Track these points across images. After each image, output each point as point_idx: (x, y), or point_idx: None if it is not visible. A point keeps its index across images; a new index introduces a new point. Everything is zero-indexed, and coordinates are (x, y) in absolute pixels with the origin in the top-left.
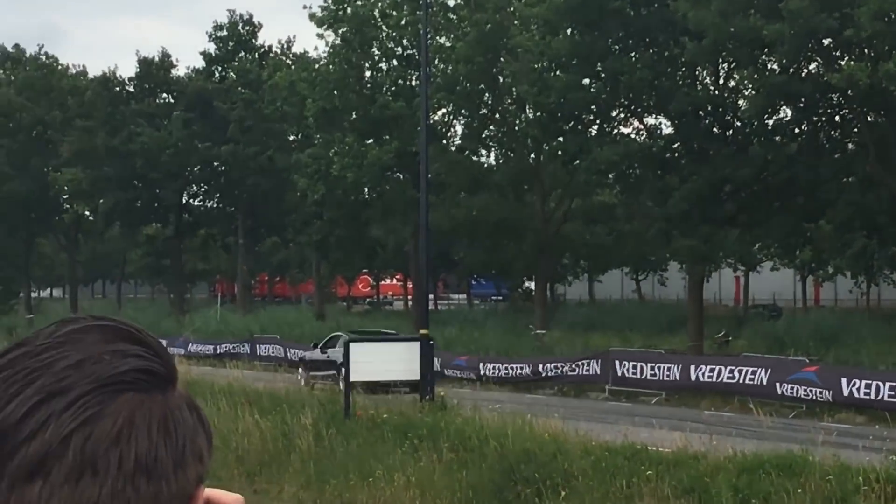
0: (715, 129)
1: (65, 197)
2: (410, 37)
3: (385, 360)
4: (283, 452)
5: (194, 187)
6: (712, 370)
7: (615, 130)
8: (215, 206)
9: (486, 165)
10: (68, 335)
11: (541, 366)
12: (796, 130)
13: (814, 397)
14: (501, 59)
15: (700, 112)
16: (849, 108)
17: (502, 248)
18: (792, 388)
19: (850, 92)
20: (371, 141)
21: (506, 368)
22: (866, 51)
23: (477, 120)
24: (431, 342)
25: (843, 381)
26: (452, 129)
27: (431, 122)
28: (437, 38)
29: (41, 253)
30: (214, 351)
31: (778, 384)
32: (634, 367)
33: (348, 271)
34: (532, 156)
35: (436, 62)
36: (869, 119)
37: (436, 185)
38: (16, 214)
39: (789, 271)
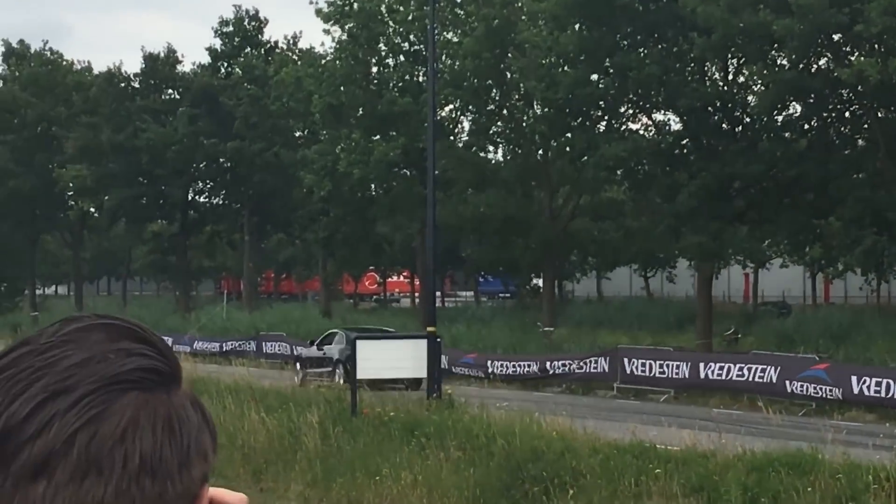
0: (724, 126)
1: (70, 193)
2: (417, 32)
3: (392, 358)
4: (290, 451)
5: (200, 184)
6: (721, 368)
7: (623, 126)
8: (221, 202)
9: (493, 162)
10: (72, 334)
11: (548, 363)
12: (806, 126)
13: (823, 395)
14: (509, 54)
15: (709, 108)
16: (859, 104)
17: (510, 245)
18: (801, 386)
19: (860, 88)
20: (378, 137)
21: (513, 366)
22: (876, 46)
23: (484, 116)
24: (439, 340)
25: (853, 378)
26: (460, 126)
27: (438, 118)
28: (445, 33)
29: (46, 250)
30: (220, 349)
31: (787, 382)
32: (643, 364)
33: (355, 268)
34: (540, 152)
35: (443, 58)
36: (879, 115)
37: (443, 182)
38: (20, 211)
39: (799, 268)
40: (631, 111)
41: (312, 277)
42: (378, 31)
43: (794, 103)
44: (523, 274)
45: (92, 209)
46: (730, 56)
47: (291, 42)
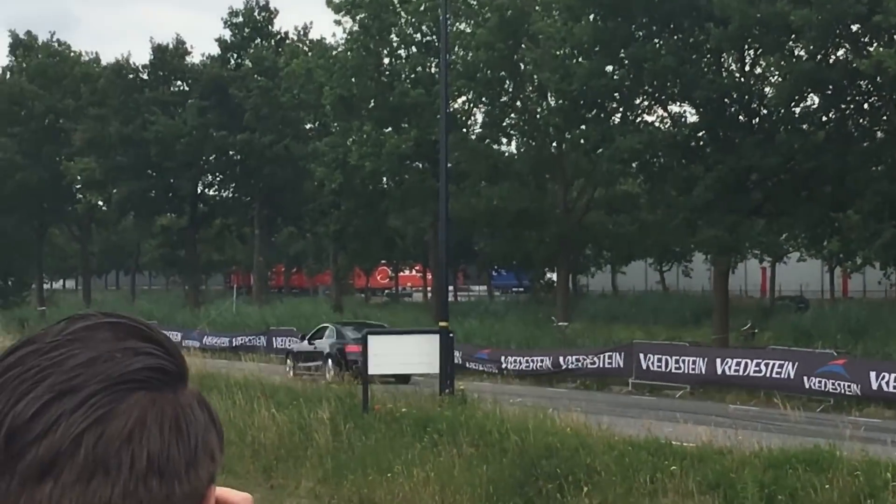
0: (741, 117)
1: (77, 186)
2: (430, 23)
3: (404, 353)
4: (300, 447)
5: (209, 177)
6: (738, 363)
7: (639, 118)
8: (231, 195)
9: (506, 154)
10: (78, 332)
11: (562, 358)
12: (824, 118)
13: (842, 391)
14: (523, 45)
15: (725, 100)
16: (878, 96)
17: (523, 239)
18: (819, 382)
19: (878, 79)
20: (390, 129)
21: (526, 361)
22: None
23: (498, 108)
24: (451, 335)
25: (872, 374)
26: (473, 118)
27: (451, 110)
28: (457, 24)
29: (53, 244)
30: (230, 344)
31: (805, 378)
32: (658, 359)
33: (366, 262)
34: (554, 144)
35: (456, 49)
36: None
37: (456, 175)
38: (28, 204)
39: (817, 262)
40: (646, 103)
41: (323, 271)
42: (390, 21)
43: (811, 95)
44: (537, 268)
45: (100, 202)
46: (747, 47)
47: (302, 33)
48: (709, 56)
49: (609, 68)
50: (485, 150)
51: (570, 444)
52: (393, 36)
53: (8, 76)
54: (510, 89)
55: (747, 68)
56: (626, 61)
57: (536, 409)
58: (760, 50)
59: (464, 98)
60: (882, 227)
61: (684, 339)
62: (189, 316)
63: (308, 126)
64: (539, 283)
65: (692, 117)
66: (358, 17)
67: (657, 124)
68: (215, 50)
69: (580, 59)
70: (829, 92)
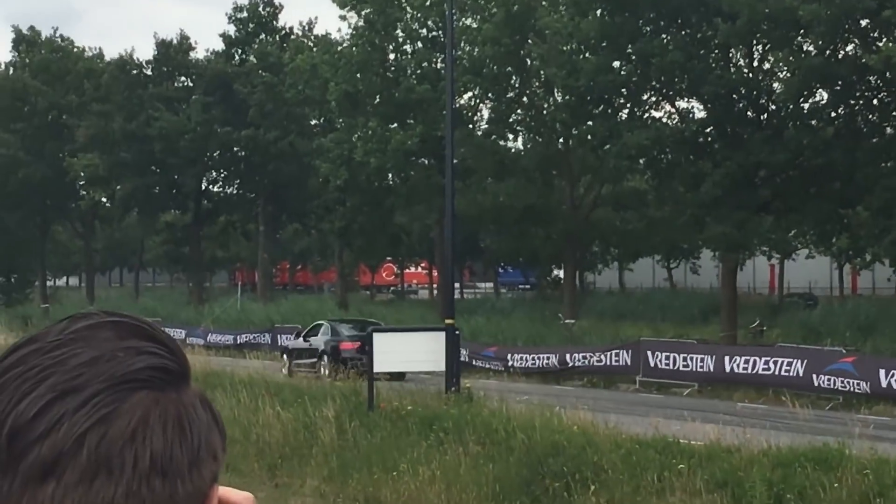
0: (749, 113)
1: (81, 183)
2: (435, 18)
3: (410, 351)
4: (305, 445)
5: (214, 173)
6: (747, 361)
7: (646, 114)
8: (235, 192)
9: (513, 150)
10: (80, 331)
11: (568, 356)
12: (833, 114)
13: (851, 389)
14: (529, 40)
15: (734, 95)
16: (887, 91)
17: (530, 236)
18: (828, 380)
19: (888, 74)
20: (395, 125)
21: (533, 359)
22: None
23: (504, 103)
24: (457, 332)
25: (882, 372)
26: (479, 113)
27: (457, 105)
28: (463, 19)
29: (57, 240)
30: (234, 341)
31: (814, 375)
32: (666, 357)
33: (372, 259)
34: (560, 140)
35: (462, 44)
36: None
37: (462, 171)
38: (31, 201)
39: (825, 259)
40: (654, 98)
41: (328, 268)
42: (395, 16)
43: (820, 90)
44: (544, 265)
45: (104, 199)
46: (755, 42)
47: (307, 28)
48: (717, 51)
49: (616, 64)
50: (491, 147)
51: (577, 442)
52: (398, 31)
53: (11, 72)
54: (517, 85)
55: (755, 64)
56: (634, 57)
57: (543, 407)
58: (769, 45)
59: (470, 94)
60: (891, 223)
61: (692, 337)
62: (193, 313)
63: (313, 122)
64: (546, 281)
65: (700, 113)
66: (363, 13)
67: (665, 120)
68: (219, 45)
69: (587, 55)
70: (838, 87)
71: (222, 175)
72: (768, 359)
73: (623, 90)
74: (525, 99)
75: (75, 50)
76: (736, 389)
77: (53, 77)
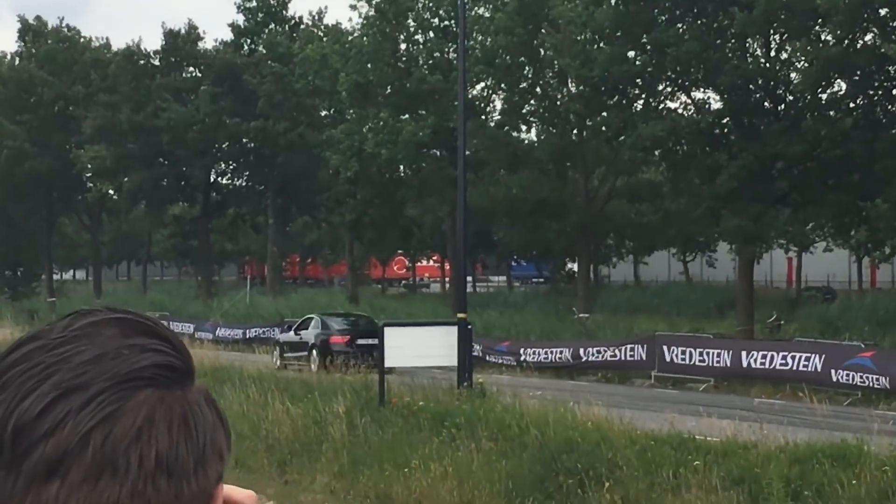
0: (766, 104)
1: (88, 175)
2: (447, 7)
3: (421, 346)
4: (315, 441)
5: (222, 165)
6: (764, 356)
7: (661, 105)
8: (244, 184)
9: (526, 142)
10: (84, 328)
11: (582, 350)
12: (851, 104)
13: (869, 384)
14: (543, 30)
15: (750, 86)
16: None
17: (543, 228)
18: (847, 375)
19: None
20: (406, 116)
21: (546, 353)
22: None
23: (517, 94)
24: (469, 326)
25: None
26: (491, 104)
27: (469, 96)
28: (476, 8)
29: (63, 233)
30: (244, 336)
31: (832, 370)
32: (682, 352)
33: (383, 252)
34: (574, 132)
35: (474, 34)
36: None
37: (474, 163)
38: (37, 193)
39: (844, 252)
40: (669, 89)
41: (339, 262)
42: (406, 6)
43: (838, 80)
44: (557, 258)
45: (111, 191)
46: (772, 31)
47: (317, 18)
48: (733, 41)
49: (631, 54)
50: (504, 138)
51: (592, 438)
52: (410, 21)
53: (17, 62)
54: (530, 75)
55: (773, 53)
56: (649, 46)
57: (556, 403)
58: (786, 34)
59: (482, 84)
60: None
61: (708, 331)
62: (202, 307)
63: (323, 113)
64: (559, 274)
65: (716, 104)
66: (374, 2)
67: (680, 111)
68: (228, 35)
69: (601, 45)
70: (857, 77)
71: (231, 167)
72: (786, 353)
73: (638, 80)
74: (538, 90)
75: (82, 40)
76: (753, 385)
77: (60, 67)
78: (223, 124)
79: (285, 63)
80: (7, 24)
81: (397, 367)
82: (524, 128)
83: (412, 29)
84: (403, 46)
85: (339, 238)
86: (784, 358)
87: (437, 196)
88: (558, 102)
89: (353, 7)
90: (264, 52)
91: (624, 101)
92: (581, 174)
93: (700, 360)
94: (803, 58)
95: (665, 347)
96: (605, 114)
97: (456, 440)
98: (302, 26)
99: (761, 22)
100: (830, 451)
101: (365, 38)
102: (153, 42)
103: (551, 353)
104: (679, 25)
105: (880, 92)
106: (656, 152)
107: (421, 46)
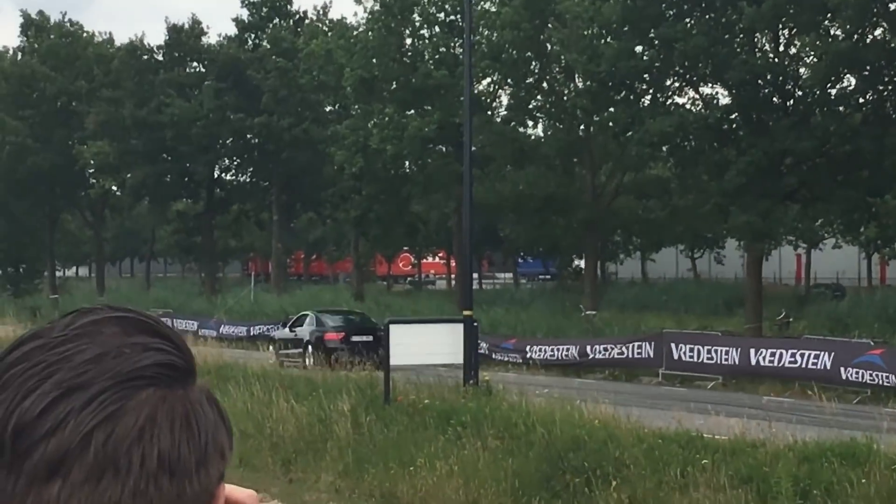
0: (775, 99)
1: (90, 171)
2: (453, 1)
3: (427, 343)
4: (320, 439)
5: (226, 161)
6: (773, 354)
7: (669, 100)
8: (248, 180)
9: (532, 137)
10: (86, 327)
11: (589, 348)
12: (861, 100)
13: (879, 382)
14: (549, 25)
15: (759, 81)
16: None
17: (550, 225)
18: (856, 373)
19: None
20: (412, 112)
21: (552, 351)
22: None
23: (523, 90)
24: (475, 324)
25: None
26: (498, 100)
27: (475, 91)
28: (482, 3)
29: (66, 230)
30: (248, 333)
31: (841, 368)
32: (690, 349)
33: (388, 249)
34: (581, 127)
35: (480, 29)
36: None
37: (480, 159)
38: (39, 189)
39: (853, 249)
40: (677, 84)
41: (344, 258)
42: (412, 0)
43: (848, 75)
44: (564, 255)
45: (114, 187)
46: (781, 26)
47: (321, 12)
48: (742, 36)
49: (638, 49)
50: (510, 134)
51: (599, 436)
52: (415, 15)
53: (19, 57)
54: (536, 70)
55: (782, 48)
56: (656, 41)
57: (563, 401)
58: (795, 29)
59: (489, 79)
60: None
61: (716, 329)
62: (205, 304)
63: (328, 108)
64: (566, 271)
65: (724, 99)
66: None
67: (688, 106)
68: (232, 30)
69: (609, 40)
70: (867, 73)
71: (235, 163)
72: (794, 351)
73: (645, 76)
74: (545, 85)
75: (85, 35)
76: (761, 382)
77: (62, 63)
78: (227, 120)
79: (290, 58)
80: (9, 19)
81: (402, 365)
82: (531, 123)
83: (418, 23)
84: (409, 41)
85: (343, 234)
86: (793, 355)
87: (442, 192)
88: (565, 98)
89: (359, 1)
90: (268, 47)
91: (631, 97)
92: (588, 170)
93: (708, 358)
94: (812, 53)
95: (673, 345)
96: (612, 109)
97: (462, 438)
98: (306, 21)
99: (770, 16)
100: (840, 449)
101: (370, 33)
102: (157, 37)
103: (558, 350)
104: (687, 20)
105: (890, 87)
106: (664, 148)
107: (426, 41)
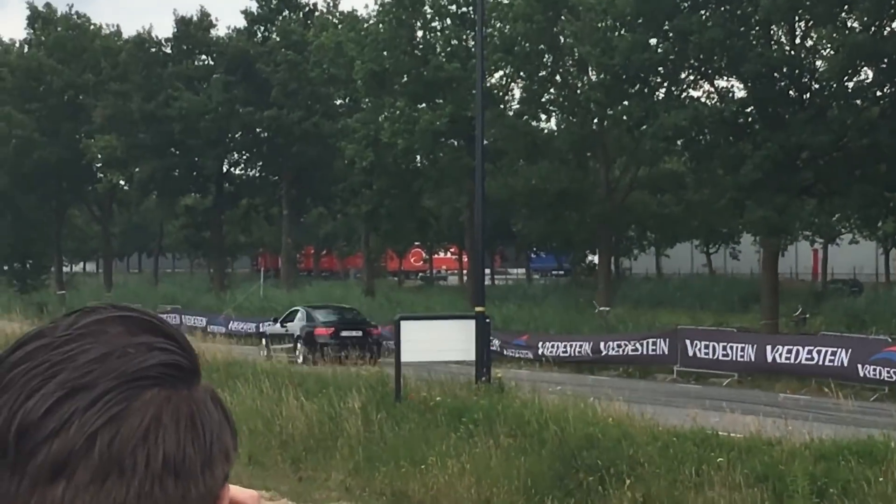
0: (791, 92)
1: (98, 165)
2: None
3: (438, 339)
4: (330, 437)
5: (235, 155)
6: (789, 350)
7: (684, 94)
8: (258, 174)
9: (545, 131)
10: (89, 326)
11: (603, 344)
12: (878, 93)
13: None
14: (562, 17)
15: (775, 74)
16: None
17: (563, 220)
18: (873, 370)
19: None
20: (423, 105)
21: (565, 347)
22: None
23: (536, 83)
24: (488, 320)
25: None
26: (510, 93)
27: (488, 85)
28: None
29: (73, 224)
30: (257, 329)
31: (859, 365)
32: (705, 346)
33: (399, 244)
34: (595, 121)
35: (492, 21)
36: None
37: (492, 153)
38: (46, 184)
39: (871, 244)
40: (692, 77)
41: (354, 254)
42: None
43: (865, 68)
44: (578, 250)
45: (121, 182)
46: (797, 18)
47: (331, 5)
48: (757, 28)
49: (653, 41)
50: (523, 127)
51: (612, 434)
52: (427, 7)
53: (26, 50)
54: (549, 63)
55: (798, 41)
56: (671, 34)
57: (576, 398)
58: (812, 21)
59: (501, 72)
60: None
61: (732, 325)
62: (214, 300)
63: (338, 102)
64: (580, 266)
65: (740, 92)
66: None
67: (703, 100)
68: (241, 22)
69: (622, 32)
70: (884, 65)
71: (244, 157)
72: (811, 348)
73: (660, 69)
74: (558, 78)
75: (92, 27)
76: (777, 380)
77: (69, 55)
78: (236, 113)
79: (299, 51)
80: (16, 12)
81: (413, 362)
82: (544, 117)
83: (429, 16)
84: (420, 34)
85: (354, 230)
86: (809, 352)
87: (454, 187)
88: (578, 91)
89: None
90: (278, 39)
91: (645, 90)
92: (602, 164)
93: (724, 355)
94: (829, 45)
95: (688, 341)
96: (626, 103)
97: (474, 436)
98: (316, 13)
99: (786, 8)
100: (857, 447)
101: (381, 26)
102: (164, 29)
103: (571, 347)
104: (702, 12)
105: None
106: (678, 142)
107: (438, 34)
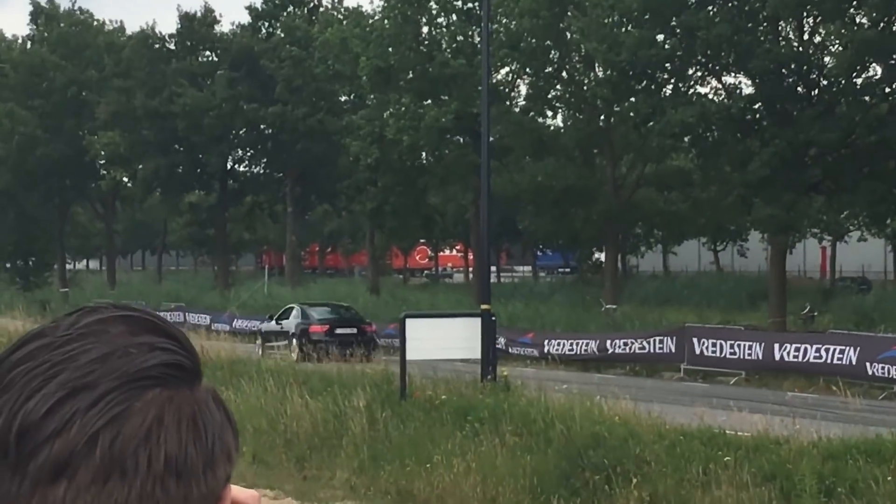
0: (799, 89)
1: (101, 162)
2: None
3: (444, 338)
4: (335, 436)
5: (240, 152)
6: (797, 349)
7: (691, 90)
8: (262, 171)
9: (552, 128)
10: (91, 326)
11: (609, 342)
12: (887, 89)
13: None
14: (569, 13)
15: (783, 70)
16: None
17: (570, 217)
18: (882, 368)
19: None
20: (429, 102)
21: (572, 345)
22: None
23: (542, 79)
24: (493, 318)
25: None
26: (516, 89)
27: (494, 81)
28: None
29: (76, 222)
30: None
31: (867, 363)
32: (712, 344)
33: (405, 241)
34: (602, 118)
35: (498, 17)
36: None
37: (498, 149)
38: (49, 181)
39: (879, 241)
40: (699, 74)
41: (359, 251)
42: None
43: (874, 65)
44: (584, 247)
45: (125, 179)
46: (805, 14)
47: (336, 0)
48: (765, 24)
49: (660, 37)
50: (529, 124)
51: (619, 433)
52: (432, 3)
53: (29, 46)
54: (556, 59)
55: (806, 37)
56: (678, 30)
57: (583, 397)
58: (820, 17)
59: (507, 69)
60: None
61: (739, 323)
62: (218, 298)
63: (343, 98)
64: (586, 264)
65: (748, 89)
66: None
67: (711, 96)
68: (245, 18)
69: (629, 28)
70: (893, 61)
71: (248, 154)
72: (819, 346)
73: (667, 65)
74: (564, 74)
75: (95, 23)
76: (785, 378)
77: (73, 52)
78: (240, 110)
79: (304, 47)
80: (19, 8)
81: (418, 360)
82: (550, 113)
83: (434, 12)
84: (426, 30)
85: (359, 227)
86: (817, 351)
87: (460, 184)
88: (585, 87)
89: None
90: (282, 35)
91: (652, 86)
92: (608, 161)
93: (731, 353)
94: (838, 41)
95: (695, 340)
96: (633, 99)
97: (479, 435)
98: (321, 9)
99: (794, 4)
100: (865, 446)
101: (386, 22)
102: (168, 25)
103: (577, 345)
104: (709, 8)
105: None
106: (686, 139)
107: (444, 30)
